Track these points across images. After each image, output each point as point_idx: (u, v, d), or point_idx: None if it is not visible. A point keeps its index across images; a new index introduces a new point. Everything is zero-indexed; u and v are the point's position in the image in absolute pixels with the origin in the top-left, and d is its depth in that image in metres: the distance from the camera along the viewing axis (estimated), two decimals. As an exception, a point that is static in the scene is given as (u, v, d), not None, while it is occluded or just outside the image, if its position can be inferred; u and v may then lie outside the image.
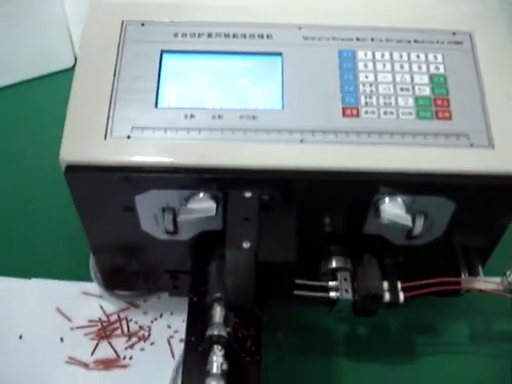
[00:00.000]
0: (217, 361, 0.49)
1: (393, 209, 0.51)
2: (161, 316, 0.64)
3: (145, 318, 0.63)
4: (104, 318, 0.63)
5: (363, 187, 0.50)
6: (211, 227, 0.53)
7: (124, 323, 0.63)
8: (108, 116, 0.50)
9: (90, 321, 0.63)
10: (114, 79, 0.52)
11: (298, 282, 0.53)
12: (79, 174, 0.49)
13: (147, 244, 0.55)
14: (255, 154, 0.49)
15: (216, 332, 0.50)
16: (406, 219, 0.51)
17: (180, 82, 0.52)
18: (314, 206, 0.51)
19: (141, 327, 0.63)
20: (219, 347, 0.50)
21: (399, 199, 0.51)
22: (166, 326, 0.63)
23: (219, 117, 0.51)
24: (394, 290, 0.54)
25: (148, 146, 0.49)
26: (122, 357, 0.61)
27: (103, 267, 0.60)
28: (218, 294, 0.52)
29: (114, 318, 0.63)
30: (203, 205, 0.50)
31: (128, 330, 0.62)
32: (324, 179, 0.49)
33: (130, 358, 0.61)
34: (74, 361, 0.60)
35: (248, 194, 0.48)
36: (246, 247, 0.45)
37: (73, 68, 0.83)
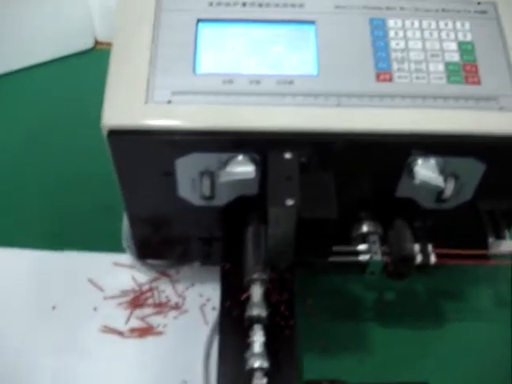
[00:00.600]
0: (258, 340, 0.50)
1: (426, 170, 0.52)
2: (192, 285, 0.65)
3: (177, 288, 0.64)
4: (136, 288, 0.64)
5: (398, 149, 0.52)
6: (247, 192, 0.54)
7: (156, 293, 0.64)
8: (148, 82, 0.51)
9: (122, 291, 0.64)
10: (152, 46, 0.53)
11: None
12: (121, 138, 0.50)
13: (183, 210, 0.56)
14: (294, 117, 0.50)
15: (256, 312, 0.51)
16: (438, 180, 0.52)
17: (216, 50, 0.53)
18: (350, 169, 0.53)
19: (173, 296, 0.64)
20: (260, 326, 0.51)
21: (432, 161, 0.52)
22: (197, 295, 0.64)
23: (256, 82, 0.52)
24: (425, 252, 0.56)
25: (189, 110, 0.50)
26: (155, 325, 0.62)
27: (138, 236, 0.61)
28: (256, 275, 0.53)
29: (146, 287, 0.64)
30: (242, 167, 0.51)
31: (160, 300, 0.63)
32: (360, 141, 0.51)
33: (164, 325, 0.62)
34: (108, 329, 0.61)
35: (288, 156, 0.50)
36: (289, 204, 0.47)
37: (93, 49, 0.86)
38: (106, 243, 0.67)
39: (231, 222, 0.57)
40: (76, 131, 0.78)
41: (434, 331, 0.63)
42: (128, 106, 0.50)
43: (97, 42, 0.88)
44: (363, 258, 0.55)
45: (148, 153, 0.51)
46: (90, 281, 0.65)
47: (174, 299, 0.63)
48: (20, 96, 0.83)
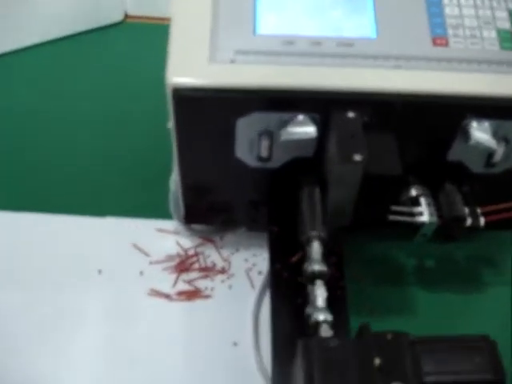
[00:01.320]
0: (321, 295, 0.51)
1: (480, 132, 0.53)
2: (237, 251, 0.65)
3: (222, 253, 0.65)
4: (181, 253, 0.65)
5: (454, 111, 0.53)
6: (303, 153, 0.55)
7: (201, 257, 0.64)
8: (211, 42, 0.52)
9: (167, 256, 0.64)
10: (213, 7, 0.53)
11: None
12: (185, 96, 0.50)
13: (237, 172, 0.57)
14: (355, 78, 0.51)
15: (317, 268, 0.52)
16: (491, 142, 0.53)
17: (277, 11, 0.54)
18: (407, 131, 0.53)
19: (219, 261, 0.64)
20: (322, 282, 0.52)
21: (486, 124, 0.54)
22: (243, 260, 0.65)
23: (317, 43, 0.52)
24: (474, 215, 0.57)
25: (251, 70, 0.51)
26: (202, 288, 0.62)
27: (187, 200, 0.61)
28: (315, 232, 0.54)
29: (191, 252, 0.65)
30: (303, 127, 0.52)
31: (206, 264, 0.64)
32: (419, 102, 0.52)
33: (212, 289, 0.62)
34: (155, 293, 0.62)
35: (351, 114, 0.51)
36: (357, 160, 0.47)
37: (122, 22, 0.86)
38: (148, 211, 0.67)
39: (283, 185, 0.58)
40: (109, 103, 0.78)
41: (472, 295, 0.64)
42: (192, 65, 0.51)
43: (126, 16, 0.88)
44: (419, 219, 0.56)
45: (210, 112, 0.52)
46: (135, 246, 0.65)
47: (220, 264, 0.64)
48: (49, 68, 0.83)
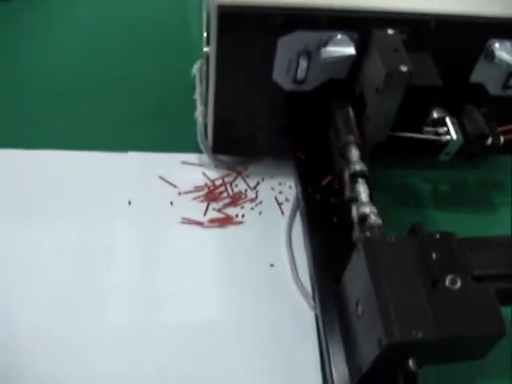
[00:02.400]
0: (364, 191, 0.53)
1: (503, 52, 0.57)
2: (262, 180, 0.67)
3: (248, 182, 0.66)
4: (209, 183, 0.66)
5: (479, 31, 0.56)
6: (338, 75, 0.57)
7: (229, 187, 0.66)
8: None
9: (195, 187, 0.65)
10: None
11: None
12: (230, 14, 0.52)
13: (272, 97, 0.59)
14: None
15: (358, 167, 0.54)
16: (513, 61, 0.57)
17: None
18: (439, 50, 0.56)
19: (246, 190, 0.66)
20: (364, 180, 0.54)
21: (508, 44, 0.57)
22: (269, 188, 0.66)
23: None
24: (494, 133, 0.61)
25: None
26: (233, 215, 0.64)
27: (216, 127, 0.62)
28: (351, 138, 0.56)
29: (219, 182, 0.66)
30: (343, 45, 0.54)
31: (234, 193, 0.65)
32: (450, 21, 0.55)
33: (243, 216, 0.64)
34: (188, 221, 0.63)
35: (391, 31, 0.53)
36: (403, 70, 0.50)
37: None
38: (170, 145, 0.68)
39: (315, 109, 0.60)
40: (133, 32, 0.80)
41: (486, 217, 0.68)
42: (236, -17, 0.52)
43: None
44: (446, 137, 0.59)
45: (253, 30, 0.53)
46: (162, 178, 0.66)
47: (248, 192, 0.66)
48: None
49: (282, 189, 0.66)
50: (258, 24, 0.53)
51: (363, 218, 0.51)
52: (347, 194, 0.55)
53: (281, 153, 0.66)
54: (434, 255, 0.47)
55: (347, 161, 0.55)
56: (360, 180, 0.54)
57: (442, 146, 0.61)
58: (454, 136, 0.59)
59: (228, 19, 0.52)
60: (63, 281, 0.57)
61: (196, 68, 0.71)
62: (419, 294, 0.44)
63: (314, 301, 0.57)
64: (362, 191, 0.53)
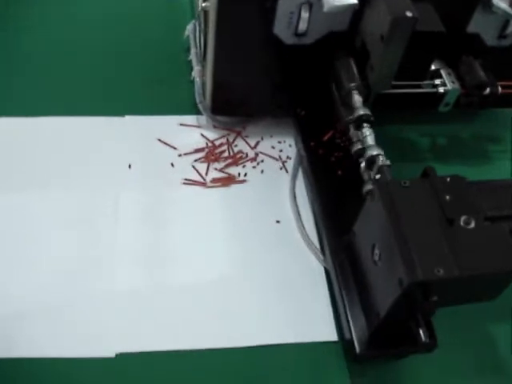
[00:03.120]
0: (370, 134, 0.54)
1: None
2: (262, 139, 0.66)
3: (248, 141, 0.66)
4: (209, 144, 0.65)
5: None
6: (339, 27, 0.57)
7: (229, 147, 0.65)
8: None
9: (195, 148, 0.65)
10: None
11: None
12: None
13: (272, 51, 0.58)
14: None
15: (363, 111, 0.54)
16: (510, 10, 0.57)
17: None
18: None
19: (247, 149, 0.65)
20: (368, 125, 0.54)
21: (504, -8, 0.57)
22: (269, 147, 0.66)
23: None
24: (492, 83, 0.61)
25: None
26: (236, 174, 0.63)
27: (216, 87, 0.62)
28: (354, 84, 0.56)
29: (218, 142, 0.65)
30: (345, -5, 0.53)
31: (234, 153, 0.65)
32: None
33: (245, 174, 0.63)
34: (190, 181, 0.62)
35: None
36: (409, 15, 0.50)
37: None
38: (165, 108, 0.67)
39: (316, 62, 0.60)
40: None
41: (480, 168, 0.69)
42: None
43: None
44: (442, 88, 0.60)
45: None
46: (161, 141, 0.65)
47: (249, 151, 0.65)
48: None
49: (282, 147, 0.66)
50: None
51: (371, 161, 0.52)
52: (353, 138, 0.55)
53: (280, 111, 0.65)
54: (448, 197, 0.47)
55: (351, 107, 0.56)
56: (365, 125, 0.54)
57: (440, 97, 0.61)
58: (450, 86, 0.60)
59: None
60: (67, 247, 0.57)
61: (189, 29, 0.70)
62: (437, 233, 0.45)
63: (323, 254, 0.58)
64: (368, 135, 0.54)
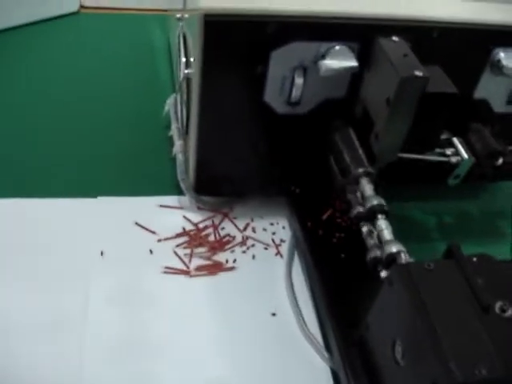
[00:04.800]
0: (387, 228, 0.46)
1: (509, 61, 0.52)
2: (252, 220, 0.59)
3: (236, 224, 0.59)
4: (192, 227, 0.58)
5: (483, 39, 0.52)
6: (335, 94, 0.51)
7: (215, 230, 0.58)
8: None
9: (176, 232, 0.57)
10: None
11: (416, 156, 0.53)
12: (218, 23, 0.46)
13: (263, 122, 0.52)
14: (395, 4, 0.49)
15: (376, 202, 0.47)
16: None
17: None
18: (443, 60, 0.51)
19: (235, 232, 0.58)
20: (383, 216, 0.47)
21: (512, 53, 0.53)
22: (260, 229, 0.59)
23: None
24: (505, 152, 0.56)
25: (289, -4, 0.47)
26: (224, 261, 0.56)
27: (200, 163, 0.55)
28: (361, 170, 0.49)
29: (202, 225, 0.58)
30: (343, 57, 0.48)
31: (221, 237, 0.57)
32: (453, 29, 0.50)
33: (234, 261, 0.56)
34: (172, 270, 0.54)
35: (396, 38, 0.48)
36: (418, 75, 0.44)
37: (78, 12, 0.80)
38: (143, 188, 0.61)
39: (312, 135, 0.54)
40: (101, 75, 0.75)
41: (492, 245, 0.62)
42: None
43: (82, 7, 0.82)
44: (455, 158, 0.54)
45: (244, 42, 0.47)
46: (138, 224, 0.57)
47: (237, 235, 0.58)
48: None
49: (275, 229, 0.59)
50: (248, 35, 0.47)
51: (391, 259, 0.44)
52: (366, 238, 0.48)
53: (272, 190, 0.59)
54: (480, 280, 0.40)
55: (361, 196, 0.49)
56: (380, 216, 0.47)
57: (449, 169, 0.56)
58: (465, 155, 0.54)
59: (214, 30, 0.46)
60: (35, 349, 0.48)
61: (169, 103, 0.64)
62: (472, 324, 0.37)
63: (329, 352, 0.49)
64: (385, 228, 0.46)
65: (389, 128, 0.47)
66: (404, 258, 0.43)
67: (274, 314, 0.52)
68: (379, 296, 0.42)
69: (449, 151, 0.55)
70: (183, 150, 0.58)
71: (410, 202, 0.64)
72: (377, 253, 0.46)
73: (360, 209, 0.49)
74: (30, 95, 0.70)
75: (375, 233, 0.48)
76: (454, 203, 0.66)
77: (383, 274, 0.46)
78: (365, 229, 0.48)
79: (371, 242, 0.47)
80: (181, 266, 0.55)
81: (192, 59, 0.51)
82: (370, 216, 0.47)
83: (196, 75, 0.49)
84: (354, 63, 0.48)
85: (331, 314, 0.49)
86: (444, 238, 0.63)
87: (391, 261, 0.44)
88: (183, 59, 0.55)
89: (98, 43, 0.79)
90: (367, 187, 0.48)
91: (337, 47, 0.48)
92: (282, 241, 0.58)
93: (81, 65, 0.75)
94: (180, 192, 0.59)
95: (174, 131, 0.61)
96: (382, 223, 0.46)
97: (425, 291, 0.38)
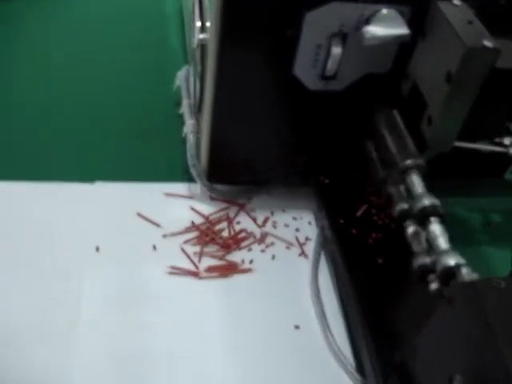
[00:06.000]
0: (442, 234, 0.38)
1: None
2: (272, 214, 0.51)
3: (254, 218, 0.51)
4: (202, 220, 0.50)
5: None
6: (379, 68, 0.43)
7: (228, 224, 0.50)
8: None
9: (185, 227, 0.49)
10: None
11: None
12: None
13: (290, 98, 0.44)
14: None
15: (428, 202, 0.39)
16: None
17: None
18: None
19: (252, 227, 0.50)
20: (438, 219, 0.39)
21: None
22: (282, 225, 0.51)
23: None
24: None
25: None
26: (239, 261, 0.48)
27: (214, 149, 0.47)
28: (410, 161, 0.41)
29: (215, 218, 0.50)
30: (391, 23, 0.40)
31: (236, 232, 0.50)
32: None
33: (251, 261, 0.48)
34: (178, 270, 0.47)
35: (457, 2, 0.39)
36: (489, 46, 0.36)
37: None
38: (150, 172, 0.53)
39: (346, 115, 0.46)
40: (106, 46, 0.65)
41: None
42: None
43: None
44: (513, 149, 0.46)
45: (271, 1, 0.39)
46: (140, 215, 0.49)
47: (255, 230, 0.50)
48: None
49: (299, 225, 0.51)
50: (279, -8, 0.38)
51: (449, 273, 0.36)
52: (412, 241, 0.40)
53: (297, 179, 0.51)
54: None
55: (405, 190, 0.41)
56: (433, 220, 0.39)
57: (506, 160, 0.47)
58: (518, 150, 0.45)
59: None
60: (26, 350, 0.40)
61: (180, 76, 0.56)
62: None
63: (362, 375, 0.41)
64: (439, 235, 0.38)
65: (447, 110, 0.39)
66: (466, 272, 0.35)
67: (296, 327, 0.44)
68: (433, 317, 0.34)
69: (507, 141, 0.47)
70: (195, 131, 0.50)
71: (450, 196, 0.55)
72: (425, 260, 0.38)
73: (404, 205, 0.41)
74: (29, 66, 0.62)
75: (422, 234, 0.40)
76: (502, 199, 0.57)
77: (434, 285, 0.38)
78: (411, 229, 0.40)
79: (418, 246, 0.39)
80: (189, 266, 0.47)
81: (208, 23, 0.43)
82: (422, 219, 0.39)
83: (213, 41, 0.41)
84: (404, 30, 0.40)
85: (367, 331, 0.41)
86: (491, 240, 0.54)
87: (449, 275, 0.36)
88: (198, 23, 0.46)
89: (101, 7, 0.70)
90: (417, 183, 0.40)
91: (384, 10, 0.40)
92: (307, 239, 0.50)
93: (82, 33, 0.66)
94: (190, 179, 0.51)
95: (185, 108, 0.53)
96: (437, 229, 0.38)
97: (496, 315, 0.30)
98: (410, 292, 0.42)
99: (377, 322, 0.41)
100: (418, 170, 0.41)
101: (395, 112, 0.44)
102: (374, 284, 0.44)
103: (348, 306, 0.44)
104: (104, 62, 0.63)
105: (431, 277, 0.37)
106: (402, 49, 0.42)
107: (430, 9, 0.39)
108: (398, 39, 0.40)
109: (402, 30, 0.40)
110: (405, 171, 0.41)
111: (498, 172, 0.51)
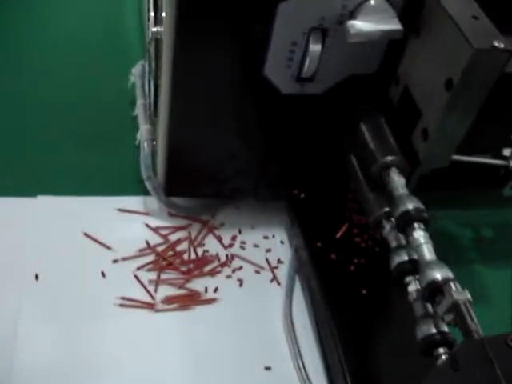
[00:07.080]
0: (427, 243, 0.32)
1: None
2: (240, 232, 0.45)
3: (219, 237, 0.45)
4: (159, 241, 0.43)
5: None
6: (364, 69, 0.37)
7: (189, 245, 0.43)
8: None
9: (140, 250, 0.43)
10: None
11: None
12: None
13: (259, 103, 0.38)
14: None
15: (411, 206, 0.33)
16: None
17: None
18: None
19: (217, 248, 0.44)
20: (422, 225, 0.33)
21: None
22: (251, 245, 0.45)
23: None
24: None
25: None
26: (201, 289, 0.41)
27: (171, 159, 0.41)
28: (390, 158, 0.35)
29: (173, 239, 0.44)
30: (380, 16, 0.34)
31: (197, 255, 0.43)
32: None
33: (215, 290, 0.41)
34: (131, 302, 0.40)
35: (458, -8, 0.33)
36: (499, 46, 0.30)
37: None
38: (99, 185, 0.46)
39: (327, 123, 0.40)
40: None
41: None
42: None
43: None
44: (515, 162, 0.40)
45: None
46: (87, 235, 0.43)
47: (220, 252, 0.44)
48: None
49: (270, 245, 0.45)
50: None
51: (435, 289, 0.30)
52: (392, 243, 0.34)
53: (267, 193, 0.45)
54: None
55: (390, 197, 0.35)
56: (416, 225, 0.33)
57: (506, 174, 0.42)
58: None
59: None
60: None
61: (135, 72, 0.49)
62: None
63: (344, 426, 0.36)
64: (423, 243, 0.32)
65: (445, 122, 0.33)
66: (455, 290, 0.30)
67: (267, 368, 0.38)
68: (430, 379, 0.28)
69: (507, 152, 0.41)
70: (150, 138, 0.44)
71: (439, 209, 0.50)
72: (432, 329, 0.31)
73: (404, 257, 0.35)
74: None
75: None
76: (493, 212, 0.52)
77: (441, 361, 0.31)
78: (412, 288, 0.33)
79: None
80: (143, 297, 0.41)
81: (164, 13, 0.36)
82: (403, 224, 0.33)
83: (168, 35, 0.34)
84: (395, 26, 0.34)
85: (351, 375, 0.35)
86: (483, 258, 0.49)
87: (434, 291, 0.30)
88: (152, 13, 0.39)
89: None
90: (397, 183, 0.34)
91: (372, 1, 0.34)
92: (279, 261, 0.44)
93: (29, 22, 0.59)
94: (146, 192, 0.44)
95: (140, 110, 0.46)
96: (420, 236, 0.32)
97: (508, 379, 0.25)
98: (398, 329, 0.36)
99: (361, 368, 0.36)
100: (399, 168, 0.35)
101: (382, 120, 0.38)
102: (359, 320, 0.38)
103: (326, 344, 0.38)
104: (52, 57, 0.56)
105: (439, 350, 0.31)
106: (393, 47, 0.36)
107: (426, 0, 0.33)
108: (387, 36, 0.34)
109: (392, 24, 0.34)
110: (386, 166, 0.35)
111: (494, 184, 0.46)
